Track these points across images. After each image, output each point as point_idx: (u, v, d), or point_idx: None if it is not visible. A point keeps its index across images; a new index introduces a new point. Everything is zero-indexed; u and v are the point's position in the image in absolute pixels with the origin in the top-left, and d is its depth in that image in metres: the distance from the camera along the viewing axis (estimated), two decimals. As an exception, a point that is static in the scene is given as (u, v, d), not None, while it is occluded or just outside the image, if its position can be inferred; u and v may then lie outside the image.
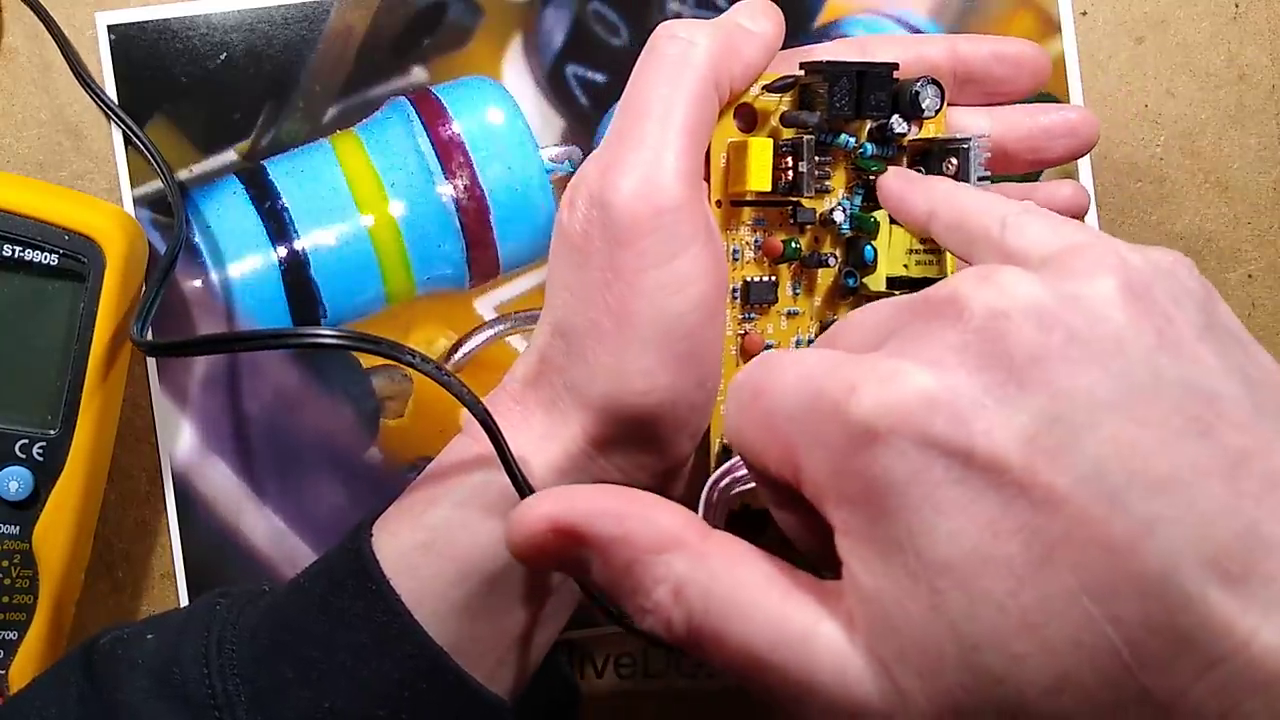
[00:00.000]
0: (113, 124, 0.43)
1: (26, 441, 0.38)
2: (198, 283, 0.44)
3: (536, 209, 0.44)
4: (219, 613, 0.33)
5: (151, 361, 0.44)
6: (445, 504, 0.33)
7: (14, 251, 0.39)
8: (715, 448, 0.36)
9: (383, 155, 0.44)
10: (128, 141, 0.44)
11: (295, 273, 0.44)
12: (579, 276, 0.33)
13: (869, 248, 0.36)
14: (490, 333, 0.45)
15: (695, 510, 0.31)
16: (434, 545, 0.33)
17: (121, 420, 0.43)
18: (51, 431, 0.39)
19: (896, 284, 0.36)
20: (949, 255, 0.36)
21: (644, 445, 0.33)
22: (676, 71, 0.32)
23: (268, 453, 0.44)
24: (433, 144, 0.43)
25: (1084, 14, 0.45)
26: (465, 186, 0.43)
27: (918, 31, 0.45)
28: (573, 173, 0.44)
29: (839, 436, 0.24)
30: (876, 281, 0.36)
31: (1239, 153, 0.45)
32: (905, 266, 0.36)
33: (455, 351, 0.45)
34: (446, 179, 0.43)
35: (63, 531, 0.39)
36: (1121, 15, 0.45)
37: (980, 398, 0.23)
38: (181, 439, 0.44)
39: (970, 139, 0.35)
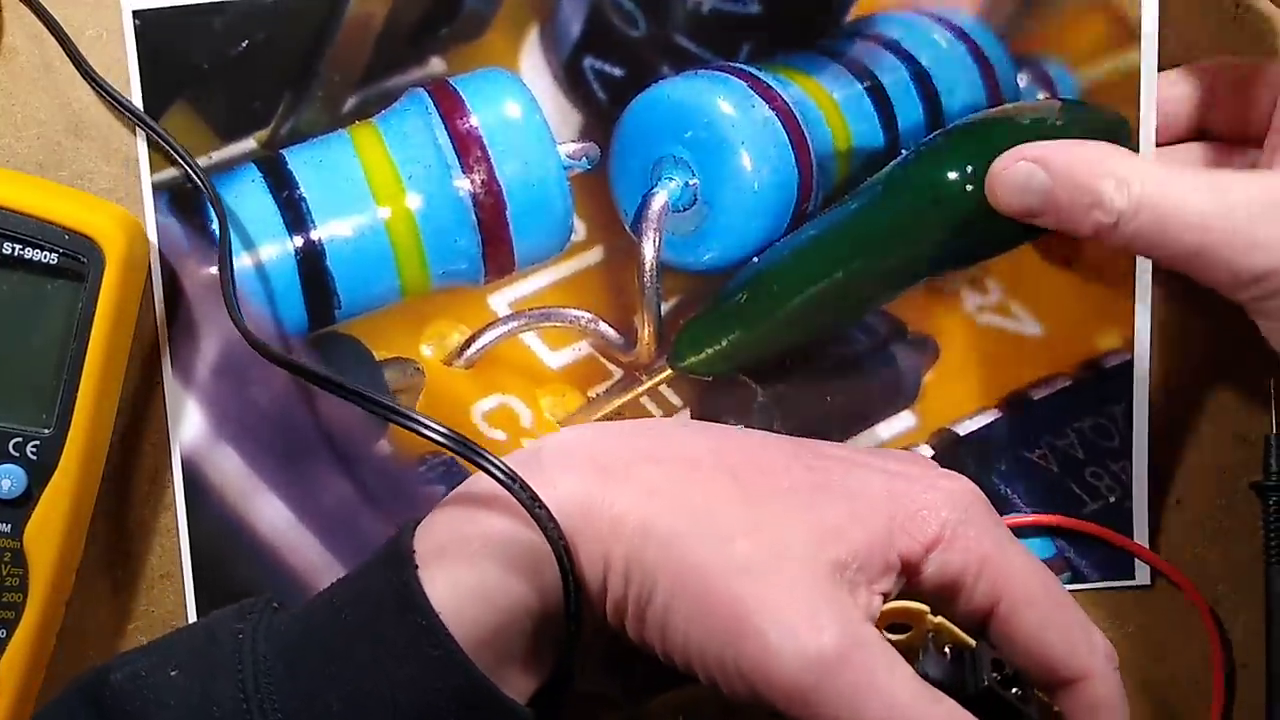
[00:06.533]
0: (126, 114, 0.43)
1: (20, 440, 0.39)
2: (213, 269, 0.44)
3: (553, 206, 0.43)
4: (245, 644, 0.33)
5: (165, 346, 0.44)
6: (489, 557, 0.34)
7: (14, 249, 0.39)
8: None
9: (401, 147, 0.43)
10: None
11: (311, 263, 0.44)
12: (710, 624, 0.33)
13: None
14: (504, 329, 0.45)
15: None
16: (484, 593, 0.33)
17: (121, 421, 0.43)
18: (46, 430, 0.39)
19: None
20: None
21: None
22: None
23: (278, 442, 0.44)
24: (451, 137, 0.43)
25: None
26: (482, 181, 0.43)
27: (961, 33, 0.44)
28: (589, 170, 0.44)
29: None
30: None
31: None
32: None
33: (468, 347, 0.45)
34: (464, 173, 0.43)
35: (55, 531, 0.39)
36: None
37: None
38: (192, 426, 0.44)
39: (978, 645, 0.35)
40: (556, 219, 0.44)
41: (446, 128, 0.43)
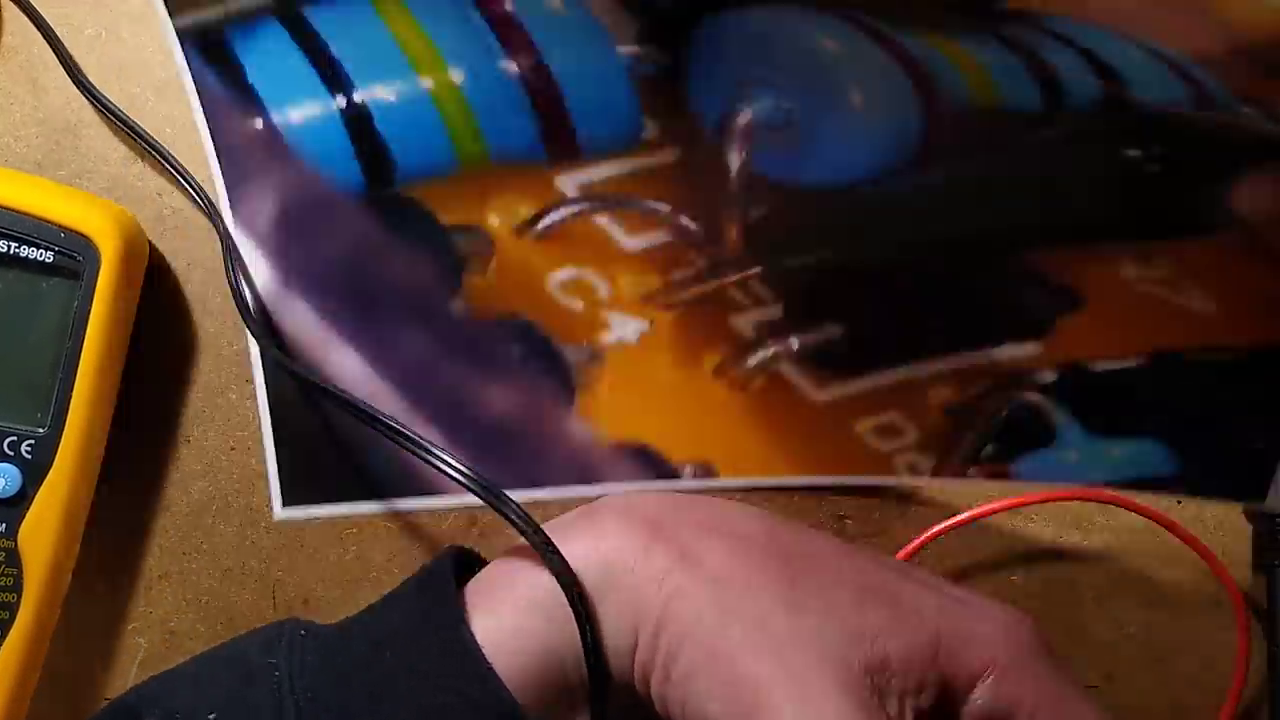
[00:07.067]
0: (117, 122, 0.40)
1: (15, 438, 0.38)
2: (258, 123, 0.39)
3: (614, 101, 0.36)
4: (283, 683, 0.33)
5: (222, 191, 0.41)
6: (512, 605, 0.34)
7: (9, 247, 0.37)
8: None
9: (433, 21, 0.36)
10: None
11: (359, 124, 0.39)
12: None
13: None
14: (575, 208, 0.39)
15: None
16: (523, 641, 0.33)
17: (119, 422, 0.41)
18: (41, 429, 0.38)
19: None
20: None
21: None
22: None
23: (349, 297, 0.42)
24: (486, 19, 0.35)
25: None
26: (531, 66, 0.36)
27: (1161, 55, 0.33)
28: (654, 73, 0.35)
29: None
30: None
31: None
32: None
33: (540, 220, 0.40)
34: (508, 57, 0.36)
35: (50, 530, 0.39)
36: None
37: None
38: (260, 276, 0.42)
39: None
40: (620, 113, 0.37)
41: (478, 8, 0.35)
